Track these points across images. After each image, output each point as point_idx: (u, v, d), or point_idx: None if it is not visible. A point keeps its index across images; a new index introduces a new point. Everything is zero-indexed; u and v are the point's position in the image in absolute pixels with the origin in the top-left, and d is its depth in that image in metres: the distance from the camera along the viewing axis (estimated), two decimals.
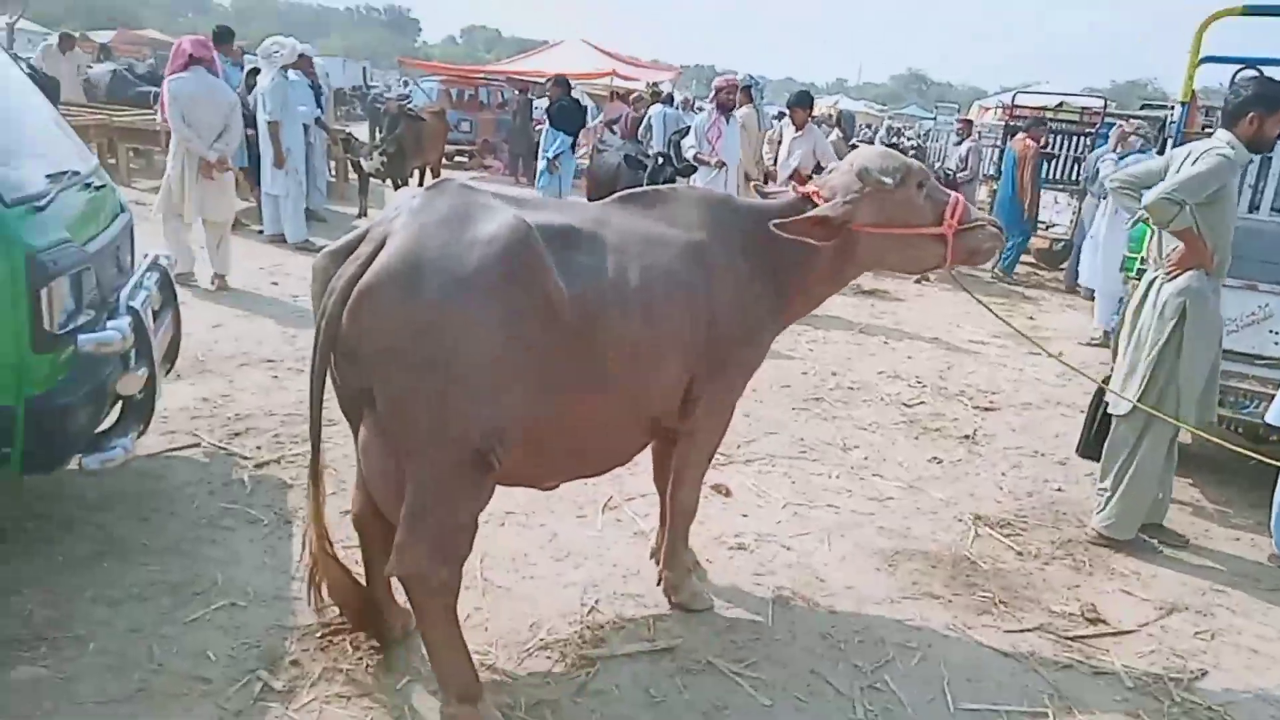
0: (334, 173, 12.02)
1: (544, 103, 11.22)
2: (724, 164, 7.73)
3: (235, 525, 3.50)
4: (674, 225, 2.80)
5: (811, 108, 8.77)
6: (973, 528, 4.15)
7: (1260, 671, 3.25)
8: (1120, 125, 9.38)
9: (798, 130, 8.40)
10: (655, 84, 16.21)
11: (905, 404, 5.90)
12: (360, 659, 2.76)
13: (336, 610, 2.76)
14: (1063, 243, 11.66)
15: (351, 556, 2.86)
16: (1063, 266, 11.39)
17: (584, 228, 2.59)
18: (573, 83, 10.86)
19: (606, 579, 3.40)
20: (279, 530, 3.50)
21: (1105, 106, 14.18)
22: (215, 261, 6.91)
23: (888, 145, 15.27)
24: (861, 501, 4.33)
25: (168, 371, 3.88)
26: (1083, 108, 14.77)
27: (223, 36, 9.15)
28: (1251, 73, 4.48)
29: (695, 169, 7.81)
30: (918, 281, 9.97)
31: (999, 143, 13.21)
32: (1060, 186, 11.90)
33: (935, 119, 21.50)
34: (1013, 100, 15.11)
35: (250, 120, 8.45)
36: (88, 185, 3.45)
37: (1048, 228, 11.87)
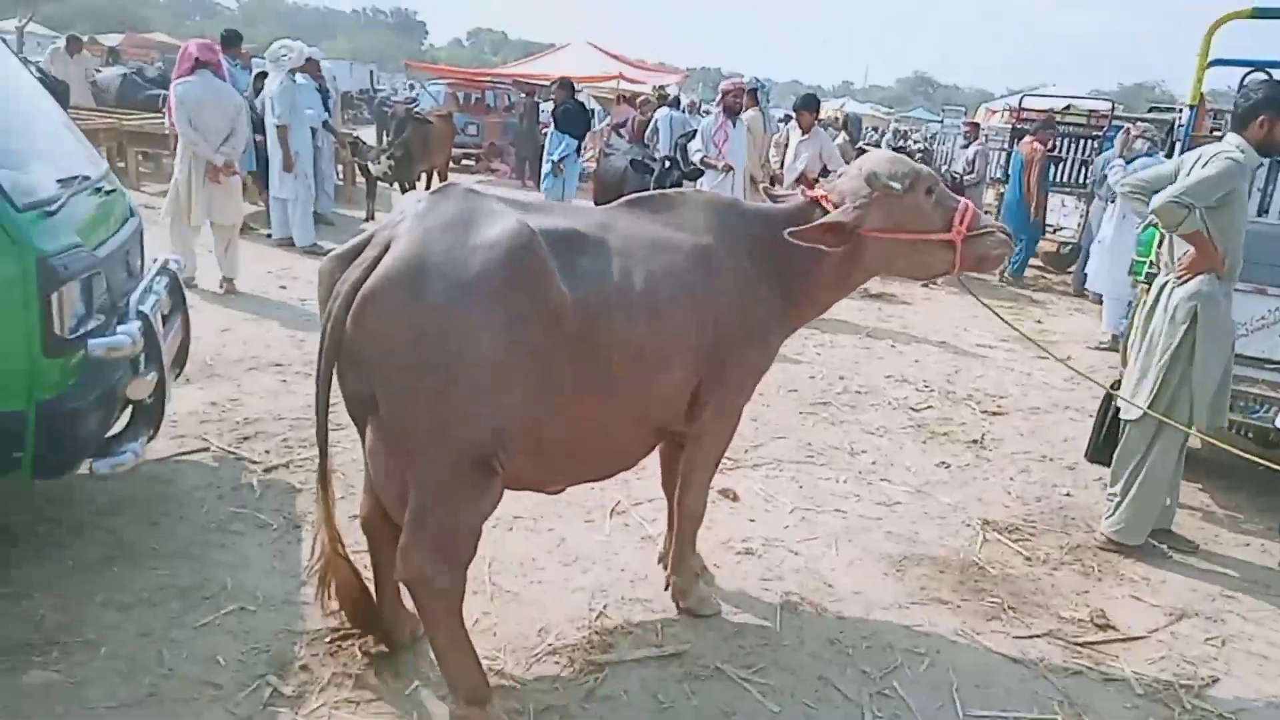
0: (341, 176, 12.06)
1: (550, 106, 11.24)
2: (731, 168, 7.72)
3: (244, 530, 3.51)
4: (680, 229, 2.81)
5: (818, 111, 8.78)
6: (981, 533, 4.14)
7: (1271, 678, 3.23)
8: (1128, 127, 9.34)
9: (804, 133, 8.40)
10: (661, 87, 16.20)
11: (913, 408, 5.89)
12: (369, 664, 2.76)
13: (344, 613, 2.76)
14: (1070, 246, 11.62)
15: (360, 561, 2.86)
16: (1070, 270, 11.36)
17: (589, 232, 2.59)
18: (578, 86, 10.88)
19: (614, 584, 3.40)
20: (288, 534, 3.51)
21: (1113, 109, 14.15)
22: (223, 265, 6.94)
23: (894, 148, 15.30)
24: (869, 506, 4.32)
25: (177, 376, 3.90)
26: (1090, 110, 14.73)
27: (231, 40, 9.22)
28: (1261, 76, 4.46)
29: (702, 173, 7.81)
30: (925, 285, 9.95)
31: (1006, 146, 13.18)
32: (1068, 189, 11.87)
33: (942, 122, 21.54)
34: (1020, 103, 15.07)
35: (258, 124, 8.48)
36: (98, 190, 3.47)
37: (1055, 231, 11.84)
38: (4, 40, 4.05)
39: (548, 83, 14.53)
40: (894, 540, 3.99)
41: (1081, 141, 12.32)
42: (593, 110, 14.38)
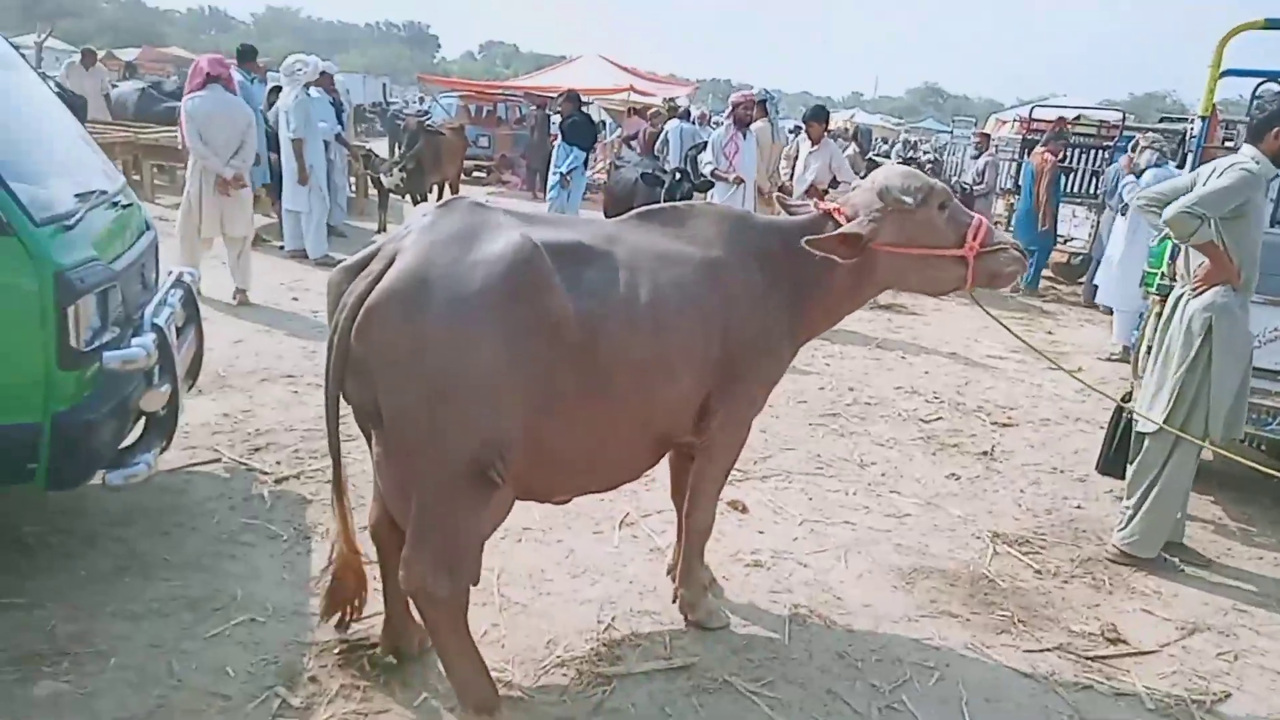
0: (354, 188, 12.14)
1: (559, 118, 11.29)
2: (742, 180, 7.72)
3: (255, 540, 3.53)
4: (690, 242, 2.82)
5: (827, 122, 8.78)
6: (991, 545, 4.12)
7: None
8: (1137, 139, 9.31)
9: (814, 145, 8.41)
10: (672, 99, 16.27)
11: (923, 420, 5.87)
12: (378, 675, 2.77)
13: (325, 601, 2.75)
14: (1081, 256, 11.59)
15: (370, 573, 2.87)
16: (1081, 280, 11.32)
17: (595, 245, 2.61)
18: (590, 98, 10.92)
19: (623, 596, 3.40)
20: (298, 545, 3.53)
21: (1123, 119, 14.12)
22: (236, 276, 7.00)
23: (904, 159, 15.30)
24: (879, 518, 4.31)
25: (190, 387, 3.93)
26: (1100, 121, 14.70)
27: (247, 55, 9.32)
28: (1275, 87, 4.46)
29: (713, 185, 7.82)
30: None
31: (1016, 156, 13.16)
32: (1078, 200, 11.84)
33: (952, 132, 21.47)
34: (1030, 113, 15.06)
35: (272, 139, 8.55)
36: (115, 203, 3.51)
37: (1066, 241, 11.81)
38: (23, 55, 4.10)
39: (558, 95, 14.62)
40: (903, 553, 3.97)
41: (1092, 152, 12.30)
42: (602, 122, 14.44)
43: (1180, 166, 7.98)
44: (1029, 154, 11.40)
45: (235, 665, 2.77)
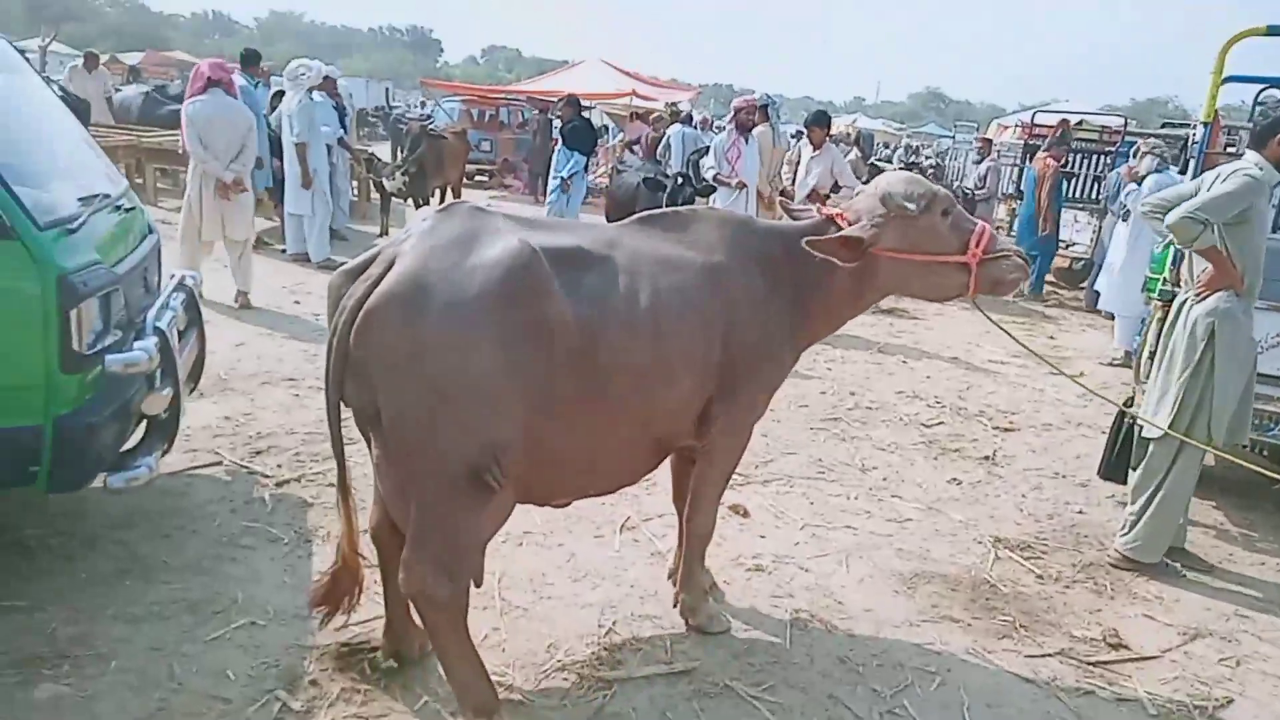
0: (356, 192, 12.16)
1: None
2: (744, 185, 7.73)
3: (256, 544, 3.53)
4: (691, 246, 2.82)
5: (829, 127, 8.79)
6: (993, 550, 4.12)
7: None
8: (1139, 144, 9.31)
9: (815, 149, 8.41)
10: (674, 103, 16.30)
11: (924, 424, 5.87)
12: (379, 679, 2.77)
13: (319, 592, 2.72)
14: (1083, 261, 11.58)
15: (371, 576, 2.87)
16: (1083, 285, 11.31)
17: (595, 249, 2.61)
18: (592, 103, 10.94)
19: (624, 600, 3.40)
20: (299, 549, 3.53)
21: (1125, 125, 14.12)
22: (237, 278, 7.01)
23: (906, 164, 15.32)
24: (880, 523, 4.31)
25: (191, 390, 3.93)
26: (1103, 126, 14.70)
27: (250, 59, 9.37)
28: (1278, 93, 4.46)
29: (715, 189, 7.82)
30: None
31: (1018, 161, 13.17)
32: (1080, 205, 11.84)
33: (954, 137, 21.51)
34: (1032, 119, 15.06)
35: (275, 142, 8.56)
36: (118, 207, 3.52)
37: (1068, 246, 11.80)
38: (27, 59, 4.12)
39: (559, 100, 14.65)
40: (905, 557, 3.97)
41: (1094, 157, 12.30)
42: (604, 127, 14.46)
43: (1182, 172, 7.97)
44: (1031, 159, 11.40)
45: (236, 668, 2.77)
